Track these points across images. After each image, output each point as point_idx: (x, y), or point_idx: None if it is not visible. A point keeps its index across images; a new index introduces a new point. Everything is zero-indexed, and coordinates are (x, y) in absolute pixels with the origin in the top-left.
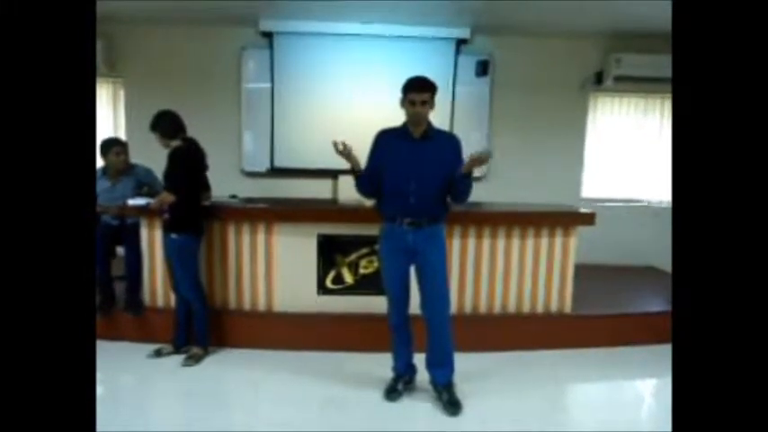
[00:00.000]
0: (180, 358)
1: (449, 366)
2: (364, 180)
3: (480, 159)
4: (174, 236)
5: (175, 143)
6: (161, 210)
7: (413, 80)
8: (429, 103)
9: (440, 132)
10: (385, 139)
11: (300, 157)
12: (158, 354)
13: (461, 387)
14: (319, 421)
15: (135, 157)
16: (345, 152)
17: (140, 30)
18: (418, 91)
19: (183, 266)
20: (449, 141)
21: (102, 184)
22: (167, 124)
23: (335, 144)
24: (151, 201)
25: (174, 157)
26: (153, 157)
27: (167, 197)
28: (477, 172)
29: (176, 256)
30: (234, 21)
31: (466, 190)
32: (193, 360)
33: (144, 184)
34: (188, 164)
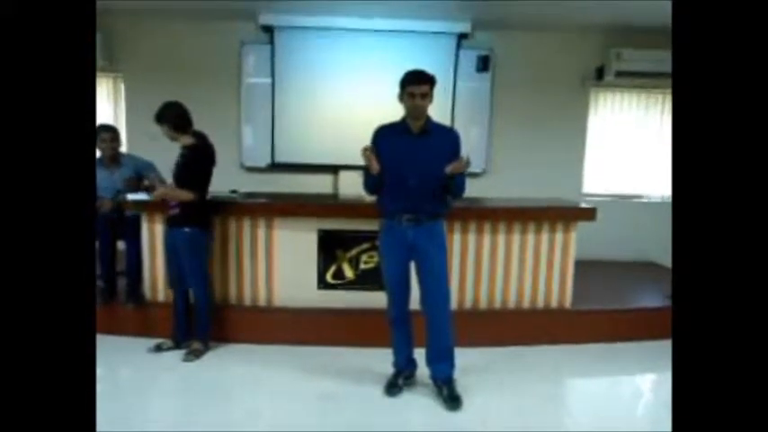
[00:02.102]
0: (180, 353)
1: (449, 362)
2: (375, 179)
3: (461, 165)
4: (186, 229)
5: (187, 138)
6: (169, 204)
7: (411, 73)
8: (428, 96)
9: (439, 127)
10: (384, 134)
11: (301, 152)
12: (159, 349)
13: (461, 382)
14: (319, 416)
15: (136, 151)
16: (369, 156)
17: (140, 24)
18: (417, 83)
19: (194, 259)
20: (448, 136)
21: (100, 173)
22: (178, 118)
23: (364, 149)
24: (149, 195)
25: (196, 156)
26: (154, 150)
27: (186, 195)
28: (474, 168)
29: (188, 249)
30: (234, 15)
31: (455, 189)
32: (194, 355)
33: (144, 176)
34: (208, 163)
